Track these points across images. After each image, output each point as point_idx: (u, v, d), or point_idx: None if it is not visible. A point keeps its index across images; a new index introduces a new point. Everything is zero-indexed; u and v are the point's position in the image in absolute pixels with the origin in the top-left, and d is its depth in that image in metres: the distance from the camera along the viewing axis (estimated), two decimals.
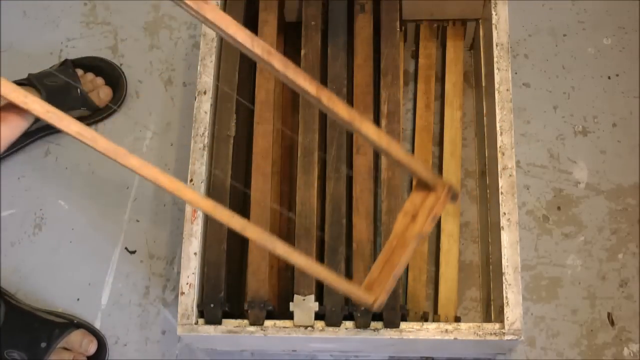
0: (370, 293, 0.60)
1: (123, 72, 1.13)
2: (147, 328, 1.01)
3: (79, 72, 1.09)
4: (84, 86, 1.08)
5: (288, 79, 0.50)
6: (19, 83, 1.06)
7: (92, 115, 1.10)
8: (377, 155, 0.92)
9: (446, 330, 0.82)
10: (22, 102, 0.43)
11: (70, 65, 1.09)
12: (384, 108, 0.90)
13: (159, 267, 1.04)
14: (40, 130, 1.09)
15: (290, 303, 0.83)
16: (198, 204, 0.49)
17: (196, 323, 0.83)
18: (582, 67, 1.11)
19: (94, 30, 1.18)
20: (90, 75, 1.10)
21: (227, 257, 0.86)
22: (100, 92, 1.10)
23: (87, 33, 1.18)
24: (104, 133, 1.11)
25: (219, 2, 0.95)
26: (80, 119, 1.09)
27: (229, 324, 0.83)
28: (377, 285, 0.61)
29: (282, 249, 0.53)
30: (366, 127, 0.54)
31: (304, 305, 0.82)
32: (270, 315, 0.83)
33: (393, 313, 0.82)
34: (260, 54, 0.48)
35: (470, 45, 1.09)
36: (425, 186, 0.62)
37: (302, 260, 0.54)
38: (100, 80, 1.11)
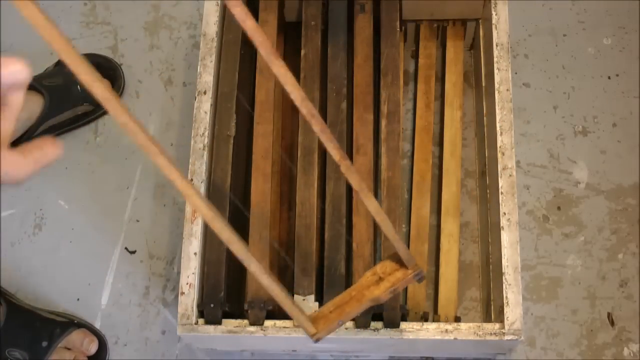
0: (314, 325, 0.65)
1: (119, 64, 1.13)
2: (147, 328, 1.01)
3: None
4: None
5: (320, 139, 0.56)
6: None
7: (95, 109, 1.11)
8: (377, 155, 0.92)
9: (446, 330, 0.82)
10: (90, 83, 0.45)
11: (65, 65, 1.09)
12: (384, 108, 0.90)
13: (159, 267, 1.04)
14: (44, 134, 1.09)
15: None
16: (202, 211, 0.52)
17: (196, 323, 0.83)
18: (582, 67, 1.11)
19: (94, 30, 1.18)
20: None
21: (227, 257, 0.86)
22: None
23: (87, 33, 1.18)
24: (104, 132, 1.11)
25: (219, 1, 0.95)
26: (85, 114, 1.10)
27: (229, 324, 0.83)
28: (324, 322, 0.66)
29: (254, 267, 0.57)
30: (369, 201, 0.61)
31: (304, 305, 0.82)
32: (270, 315, 0.83)
33: (393, 313, 0.82)
34: (305, 113, 0.53)
35: (470, 45, 1.09)
36: (400, 260, 0.69)
37: (266, 281, 0.59)
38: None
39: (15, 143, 1.16)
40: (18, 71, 0.44)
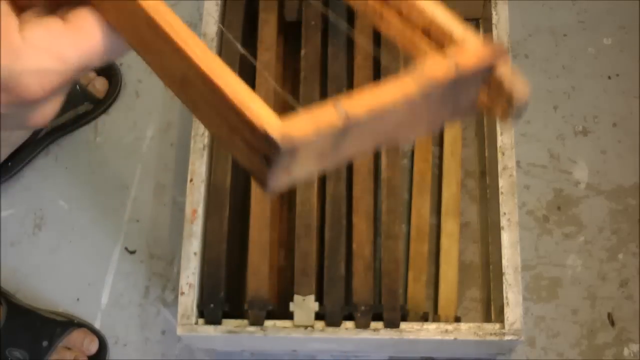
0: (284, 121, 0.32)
1: (117, 63, 1.13)
2: (147, 328, 1.01)
3: None
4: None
5: None
6: None
7: (97, 107, 1.11)
8: (377, 155, 0.92)
9: (446, 331, 0.82)
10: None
11: None
12: None
13: (159, 267, 1.04)
14: (48, 136, 1.09)
15: (290, 303, 0.83)
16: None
17: (196, 323, 0.83)
18: (582, 67, 1.11)
19: None
20: None
21: (227, 257, 0.86)
22: (95, 83, 1.10)
23: None
24: (104, 132, 1.11)
25: (219, 1, 0.95)
26: (87, 113, 1.10)
27: (229, 324, 0.83)
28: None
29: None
30: None
31: (304, 305, 0.82)
32: (270, 315, 0.83)
33: (393, 313, 0.82)
34: None
35: None
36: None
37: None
38: (92, 74, 1.11)
39: (17, 152, 1.14)
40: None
